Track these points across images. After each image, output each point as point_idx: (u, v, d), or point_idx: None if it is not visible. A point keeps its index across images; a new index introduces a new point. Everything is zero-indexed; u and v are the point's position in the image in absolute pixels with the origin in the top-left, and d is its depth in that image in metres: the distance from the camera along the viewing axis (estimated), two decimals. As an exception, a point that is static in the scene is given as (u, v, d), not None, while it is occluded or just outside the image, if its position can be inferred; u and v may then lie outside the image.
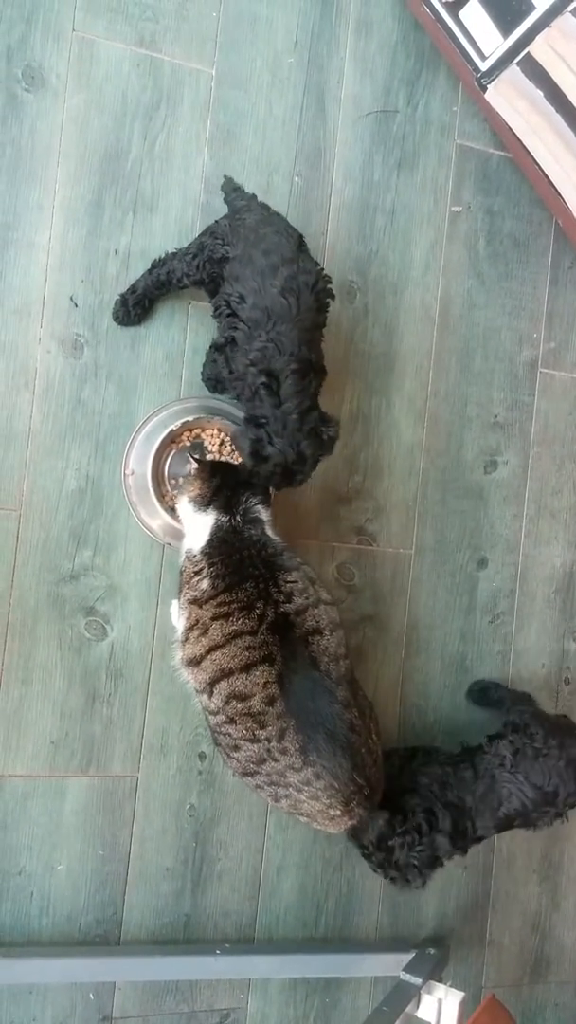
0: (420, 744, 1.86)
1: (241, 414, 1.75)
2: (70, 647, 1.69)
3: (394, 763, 1.71)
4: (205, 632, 1.42)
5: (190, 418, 1.71)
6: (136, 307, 1.70)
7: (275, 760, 1.39)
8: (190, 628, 1.44)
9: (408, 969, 1.71)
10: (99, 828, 1.71)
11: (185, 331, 1.77)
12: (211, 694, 1.42)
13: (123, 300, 1.70)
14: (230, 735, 1.42)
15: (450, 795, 1.64)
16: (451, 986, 1.67)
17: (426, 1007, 1.65)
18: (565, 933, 2.07)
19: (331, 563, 1.87)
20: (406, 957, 1.78)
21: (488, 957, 2.00)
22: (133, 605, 1.73)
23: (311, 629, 1.42)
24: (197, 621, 1.43)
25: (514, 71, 1.77)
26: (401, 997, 1.63)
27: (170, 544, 1.71)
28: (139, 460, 1.71)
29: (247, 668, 1.38)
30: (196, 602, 1.44)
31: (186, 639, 1.45)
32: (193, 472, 1.54)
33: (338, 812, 1.43)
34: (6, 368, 1.67)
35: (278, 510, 1.79)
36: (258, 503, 1.50)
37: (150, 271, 1.66)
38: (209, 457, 1.73)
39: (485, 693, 1.93)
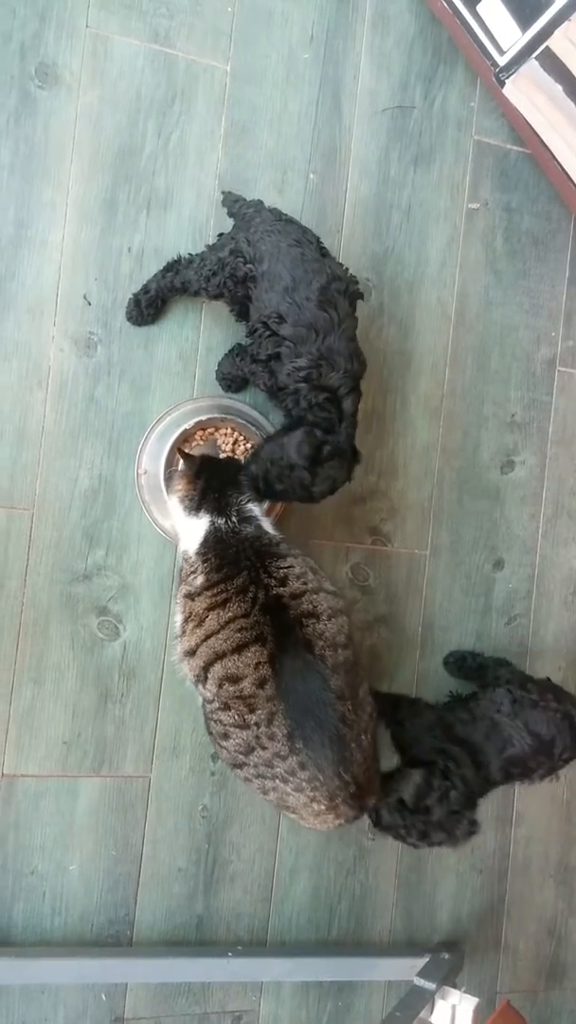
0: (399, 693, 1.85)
1: (255, 414, 1.75)
2: (83, 647, 1.69)
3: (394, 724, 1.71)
4: (200, 623, 1.41)
5: (203, 417, 1.70)
6: (149, 307, 1.69)
7: (263, 748, 1.38)
8: (185, 621, 1.45)
9: (422, 974, 1.70)
10: (111, 829, 1.70)
11: (199, 330, 1.75)
12: (205, 680, 1.41)
13: (136, 300, 1.69)
14: (221, 722, 1.41)
15: (457, 733, 1.63)
16: (465, 991, 1.65)
17: (440, 1012, 1.63)
18: (581, 939, 2.05)
19: (345, 564, 1.86)
20: (420, 962, 1.76)
21: (503, 962, 1.98)
22: (146, 605, 1.72)
23: (306, 612, 1.41)
24: (191, 614, 1.43)
25: (533, 65, 1.74)
26: (415, 1002, 1.62)
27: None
28: (152, 459, 1.70)
29: (239, 649, 1.37)
30: (189, 596, 1.45)
31: (183, 632, 1.45)
32: (180, 469, 1.53)
33: (322, 807, 1.40)
34: (19, 367, 1.66)
35: (292, 511, 1.78)
36: (248, 501, 1.50)
37: (163, 274, 1.66)
38: (223, 456, 1.71)
39: (463, 662, 1.89)
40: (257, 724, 1.37)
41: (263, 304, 1.48)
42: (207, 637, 1.40)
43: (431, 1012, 1.64)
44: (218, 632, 1.39)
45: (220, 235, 1.65)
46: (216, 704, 1.41)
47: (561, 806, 2.03)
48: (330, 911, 1.84)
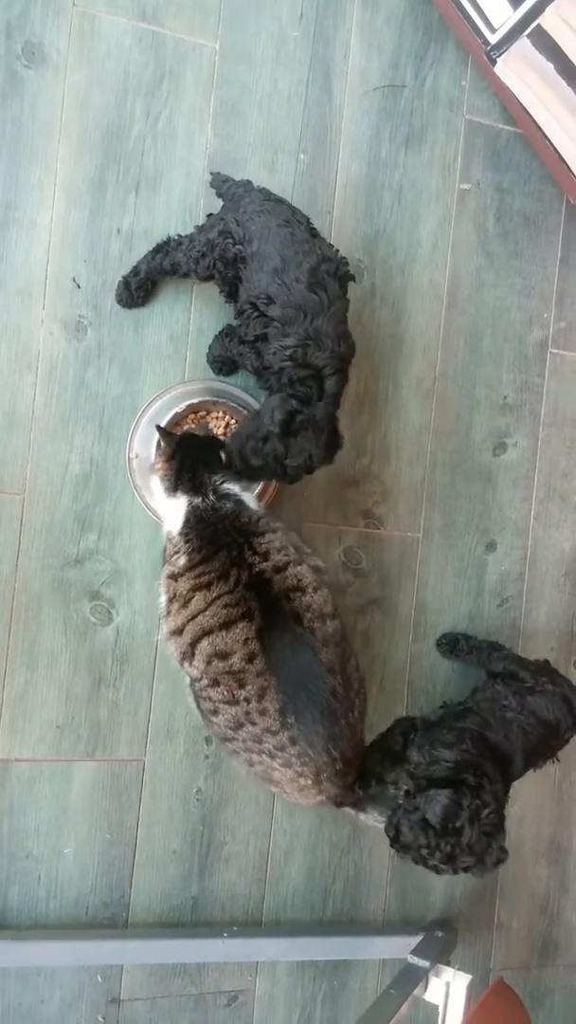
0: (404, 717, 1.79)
1: (247, 397, 1.74)
2: (75, 631, 1.68)
3: (397, 739, 1.66)
4: (185, 604, 1.42)
5: (195, 400, 1.69)
6: (139, 290, 1.68)
7: (253, 724, 1.38)
8: (170, 601, 1.45)
9: (416, 952, 1.71)
10: (106, 812, 1.70)
11: (189, 312, 1.74)
12: (192, 657, 1.41)
13: (126, 283, 1.68)
14: (211, 699, 1.41)
15: (490, 741, 1.58)
16: (459, 969, 1.66)
17: (434, 990, 1.65)
18: (574, 916, 2.07)
19: (338, 547, 1.86)
20: (414, 940, 1.78)
21: (496, 940, 2.00)
22: (138, 589, 1.72)
23: (291, 586, 1.41)
24: (176, 594, 1.43)
25: (524, 44, 1.72)
26: (409, 980, 1.63)
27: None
28: (143, 443, 1.69)
29: (226, 625, 1.38)
30: (173, 576, 1.45)
31: (167, 613, 1.45)
32: (159, 448, 1.52)
33: (308, 782, 1.41)
34: (8, 350, 1.65)
35: (285, 493, 1.77)
36: (223, 479, 1.49)
37: (153, 256, 1.65)
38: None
39: (455, 644, 1.89)
40: (247, 699, 1.37)
41: (252, 285, 1.47)
42: (193, 616, 1.40)
43: (425, 990, 1.65)
44: (204, 610, 1.39)
45: (209, 215, 1.64)
46: (205, 681, 1.41)
47: (553, 786, 2.04)
48: (325, 891, 1.85)
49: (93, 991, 1.70)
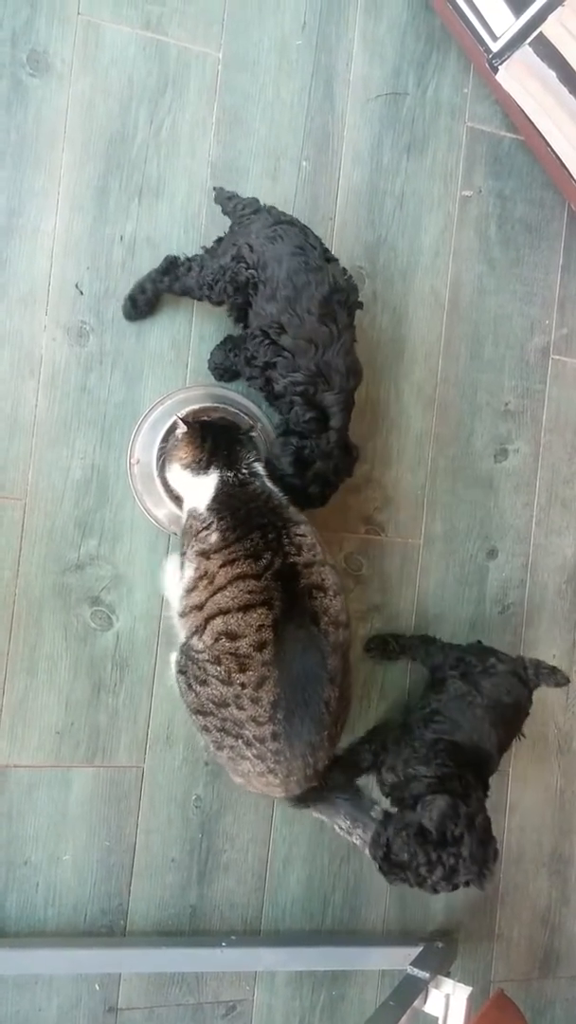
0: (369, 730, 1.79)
1: (248, 403, 1.74)
2: (76, 637, 1.68)
3: (366, 757, 1.64)
4: (212, 580, 1.41)
5: (196, 406, 1.69)
6: (146, 305, 1.70)
7: (240, 708, 1.37)
8: (199, 578, 1.44)
9: (416, 963, 1.70)
10: (105, 819, 1.70)
11: (191, 319, 1.75)
12: (203, 631, 1.40)
13: (132, 300, 1.68)
14: (206, 671, 1.40)
15: (463, 747, 1.55)
16: (459, 980, 1.65)
17: (434, 1002, 1.63)
18: (575, 928, 2.05)
19: (339, 553, 1.85)
20: (414, 951, 1.76)
21: (497, 951, 1.98)
22: (139, 595, 1.71)
23: (316, 584, 1.41)
24: (206, 572, 1.43)
25: (526, 52, 1.73)
26: (408, 991, 1.62)
27: (176, 533, 1.69)
28: (145, 449, 1.69)
29: (245, 608, 1.37)
30: (204, 554, 1.44)
31: (193, 588, 1.44)
32: (181, 436, 1.52)
33: (276, 780, 1.41)
34: (11, 356, 1.65)
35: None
36: (255, 459, 1.51)
37: (160, 277, 1.64)
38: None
39: (385, 647, 1.83)
40: (243, 685, 1.36)
41: (264, 313, 1.49)
42: (215, 592, 1.40)
43: (425, 1002, 1.64)
44: (225, 588, 1.39)
45: (219, 240, 1.63)
46: (206, 656, 1.40)
47: (554, 796, 2.03)
48: (324, 900, 1.84)
49: (91, 1000, 1.69)
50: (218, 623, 1.38)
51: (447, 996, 1.63)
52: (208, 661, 1.39)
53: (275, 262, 1.47)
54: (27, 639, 1.66)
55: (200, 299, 1.62)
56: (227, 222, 1.60)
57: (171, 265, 1.64)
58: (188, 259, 1.63)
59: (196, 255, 1.63)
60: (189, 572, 1.46)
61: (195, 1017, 1.75)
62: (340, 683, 1.41)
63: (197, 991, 1.75)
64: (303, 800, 1.53)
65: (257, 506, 1.45)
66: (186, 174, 1.74)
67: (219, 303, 1.61)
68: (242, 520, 1.43)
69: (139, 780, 1.72)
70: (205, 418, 1.59)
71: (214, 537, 1.43)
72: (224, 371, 1.73)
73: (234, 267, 1.51)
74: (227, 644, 1.37)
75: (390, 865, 1.38)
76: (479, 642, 1.84)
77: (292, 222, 1.52)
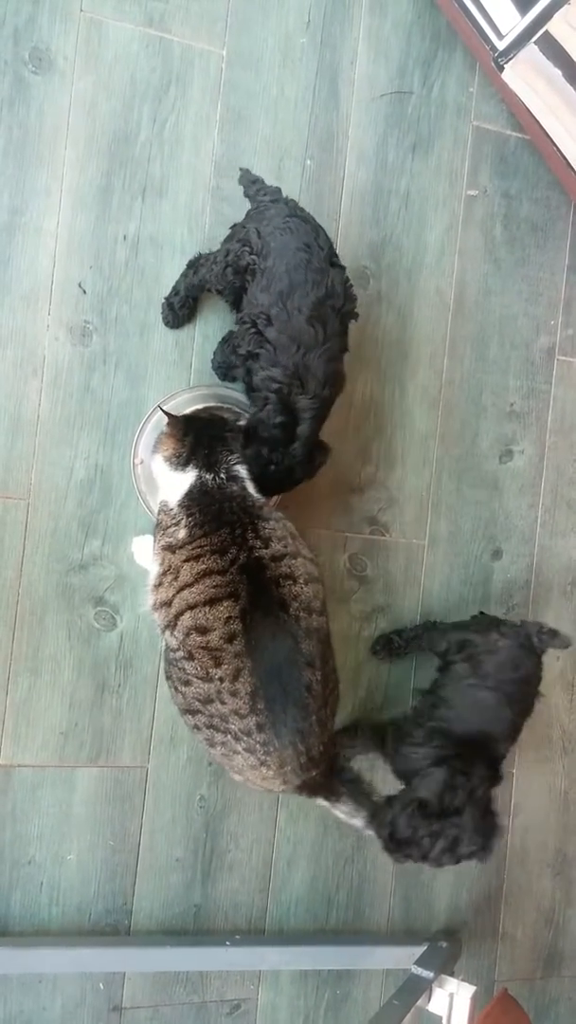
0: (361, 717, 1.80)
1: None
2: (79, 637, 1.68)
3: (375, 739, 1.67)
4: (177, 576, 1.40)
5: (200, 406, 1.69)
6: (182, 308, 1.70)
7: (223, 702, 1.36)
8: (163, 574, 1.43)
9: (420, 962, 1.70)
10: (109, 819, 1.70)
11: (195, 318, 1.74)
12: (174, 628, 1.39)
13: (169, 304, 1.69)
14: (184, 670, 1.39)
15: (456, 733, 1.56)
16: (463, 980, 1.65)
17: (437, 1001, 1.63)
18: (579, 927, 2.06)
19: (343, 553, 1.85)
20: (418, 950, 1.76)
21: (501, 951, 1.98)
22: (143, 595, 1.71)
23: (284, 574, 1.39)
24: (170, 566, 1.42)
25: (532, 50, 1.72)
26: (412, 990, 1.62)
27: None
28: (148, 448, 1.68)
29: (211, 602, 1.36)
30: (170, 548, 1.43)
31: (159, 584, 1.43)
32: (166, 429, 1.52)
33: (271, 773, 1.39)
34: (14, 356, 1.65)
35: (289, 499, 1.77)
36: (237, 461, 1.49)
37: (187, 272, 1.66)
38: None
39: (390, 645, 1.84)
40: (221, 679, 1.35)
41: (256, 301, 1.47)
42: (181, 589, 1.39)
43: (429, 1001, 1.64)
44: (192, 585, 1.38)
45: (232, 227, 1.63)
46: (181, 653, 1.39)
47: (559, 796, 2.03)
48: (328, 900, 1.84)
49: (95, 999, 1.69)
50: (187, 618, 1.37)
51: (451, 995, 1.63)
52: (184, 658, 1.38)
53: (278, 254, 1.45)
54: (31, 639, 1.66)
55: (212, 290, 1.61)
56: (230, 222, 1.60)
57: (196, 260, 1.66)
58: (210, 252, 1.63)
59: (217, 250, 1.62)
60: (155, 567, 1.46)
61: (199, 1016, 1.76)
62: (321, 667, 1.39)
63: (201, 990, 1.76)
64: (305, 789, 1.51)
65: (230, 506, 1.44)
66: (190, 172, 1.74)
67: (221, 291, 1.59)
68: (212, 517, 1.42)
69: (143, 780, 1.72)
70: (190, 411, 1.57)
71: (181, 533, 1.43)
72: (227, 369, 1.72)
73: (238, 249, 1.50)
74: (198, 639, 1.36)
75: (396, 844, 1.41)
76: (481, 613, 1.83)
77: (306, 219, 1.50)
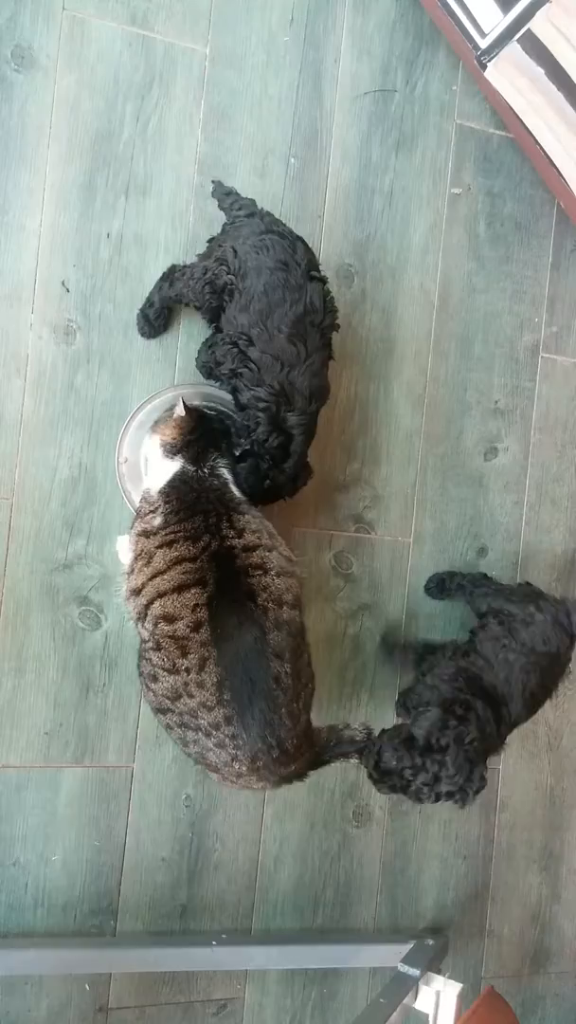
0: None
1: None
2: (64, 637, 1.68)
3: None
4: (149, 562, 1.40)
5: (197, 402, 1.68)
6: (158, 319, 1.69)
7: (190, 696, 1.34)
8: (136, 558, 1.43)
9: (406, 960, 1.70)
10: (94, 819, 1.69)
11: (179, 318, 1.74)
12: (145, 618, 1.39)
13: (144, 315, 1.69)
14: (151, 662, 1.38)
15: (484, 683, 1.60)
16: (450, 977, 1.65)
17: (424, 998, 1.63)
18: (565, 924, 2.06)
19: (328, 551, 1.85)
20: (404, 948, 1.76)
21: (487, 948, 1.99)
22: (119, 583, 1.70)
23: (255, 564, 1.39)
24: (143, 551, 1.42)
25: (514, 48, 1.73)
26: (399, 989, 1.62)
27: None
28: (133, 448, 1.68)
29: (179, 589, 1.35)
30: (145, 534, 1.43)
31: (131, 571, 1.43)
32: (175, 417, 1.51)
33: (244, 768, 1.36)
34: (-3, 354, 1.64)
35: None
36: (224, 465, 1.50)
37: (161, 284, 1.65)
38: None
39: (443, 584, 1.88)
40: (188, 670, 1.33)
41: (236, 322, 1.48)
42: (153, 576, 1.38)
43: (415, 998, 1.64)
44: (164, 572, 1.37)
45: (210, 240, 1.63)
46: (150, 643, 1.38)
47: (545, 793, 2.03)
48: (315, 899, 1.84)
49: (81, 1000, 1.69)
50: (156, 607, 1.36)
51: (437, 993, 1.63)
52: (152, 649, 1.37)
53: (256, 273, 1.45)
54: (15, 639, 1.65)
55: (189, 304, 1.62)
56: (214, 221, 1.60)
57: (170, 271, 1.64)
58: (185, 265, 1.63)
59: (192, 262, 1.62)
60: (130, 554, 1.46)
61: (186, 1016, 1.76)
62: (291, 660, 1.37)
63: (188, 990, 1.75)
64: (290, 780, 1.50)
65: (208, 495, 1.44)
66: (173, 171, 1.73)
67: (199, 307, 1.59)
68: (188, 504, 1.43)
69: (128, 780, 1.72)
70: (208, 410, 1.58)
71: (158, 520, 1.43)
72: (212, 368, 1.72)
73: (215, 269, 1.50)
74: (165, 627, 1.35)
75: (380, 773, 1.44)
76: (527, 583, 1.84)
77: (282, 234, 1.49)
